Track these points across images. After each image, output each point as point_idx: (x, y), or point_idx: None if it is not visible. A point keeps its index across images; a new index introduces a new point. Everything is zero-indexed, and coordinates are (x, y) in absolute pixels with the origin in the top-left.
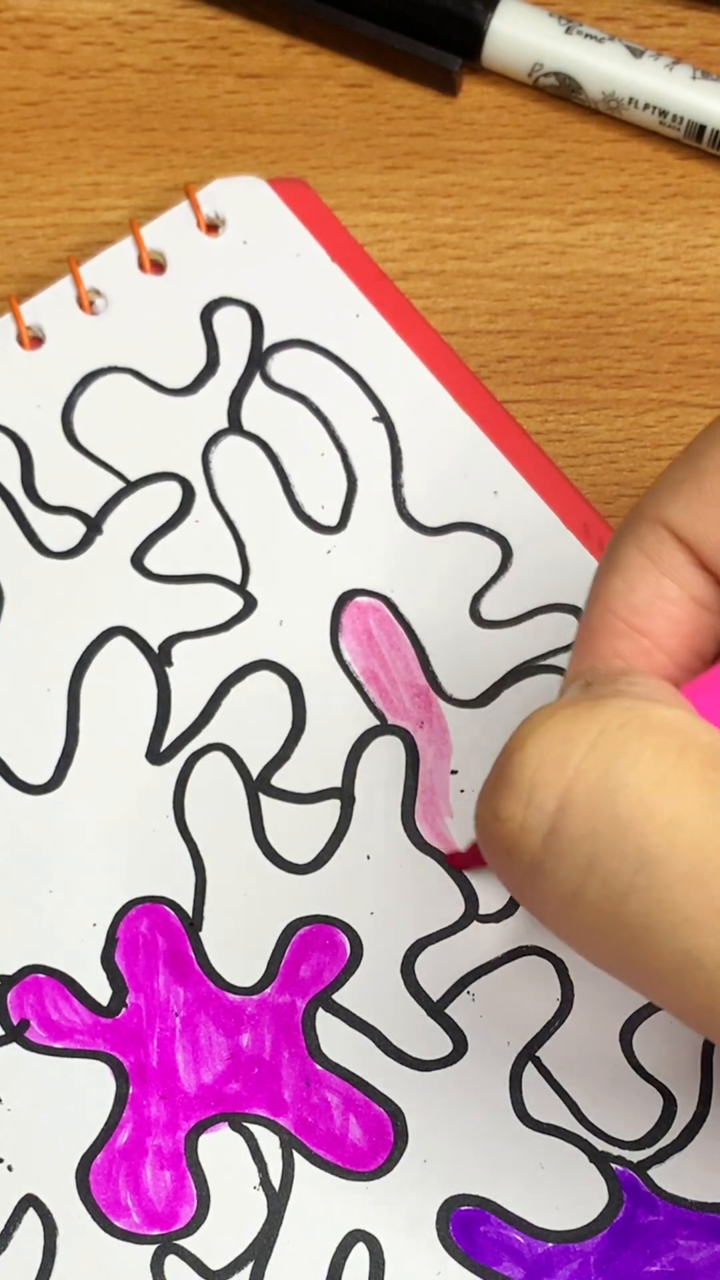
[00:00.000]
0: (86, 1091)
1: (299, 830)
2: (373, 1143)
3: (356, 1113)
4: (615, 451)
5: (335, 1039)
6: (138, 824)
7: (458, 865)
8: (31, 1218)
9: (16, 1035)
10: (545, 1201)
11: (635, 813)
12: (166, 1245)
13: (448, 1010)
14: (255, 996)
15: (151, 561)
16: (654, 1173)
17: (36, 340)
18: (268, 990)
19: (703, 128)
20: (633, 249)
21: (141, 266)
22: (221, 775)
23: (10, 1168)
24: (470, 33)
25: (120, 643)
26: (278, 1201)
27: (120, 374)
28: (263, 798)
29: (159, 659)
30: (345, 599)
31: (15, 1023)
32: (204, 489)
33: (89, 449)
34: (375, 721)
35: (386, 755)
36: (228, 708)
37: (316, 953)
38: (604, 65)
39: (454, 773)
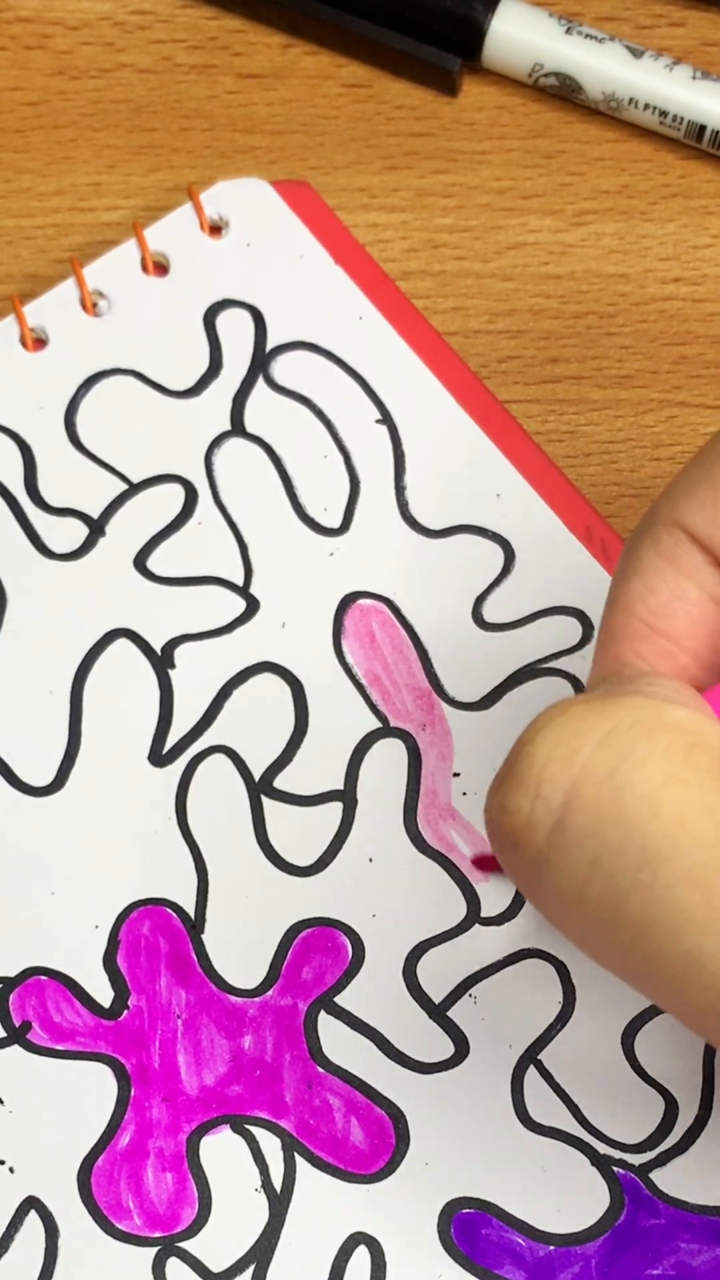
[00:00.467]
0: (88, 1093)
1: (301, 832)
2: (374, 1145)
3: (358, 1115)
4: (615, 451)
5: (337, 1041)
6: (140, 826)
7: (485, 869)
8: (33, 1220)
9: (18, 1037)
10: (547, 1204)
11: (640, 810)
12: (168, 1247)
13: (449, 1013)
14: (257, 999)
15: (154, 563)
16: (655, 1176)
17: (39, 342)
18: (269, 992)
19: (703, 128)
20: (633, 249)
21: (145, 268)
22: (224, 777)
23: (12, 1169)
24: (470, 33)
25: (123, 645)
26: (279, 1204)
27: (123, 376)
28: (265, 800)
29: (161, 661)
30: (348, 601)
31: (17, 1024)
32: (207, 491)
33: (92, 451)
34: (377, 724)
35: (388, 758)
36: (230, 710)
37: (318, 955)
38: (604, 65)
39: (456, 775)
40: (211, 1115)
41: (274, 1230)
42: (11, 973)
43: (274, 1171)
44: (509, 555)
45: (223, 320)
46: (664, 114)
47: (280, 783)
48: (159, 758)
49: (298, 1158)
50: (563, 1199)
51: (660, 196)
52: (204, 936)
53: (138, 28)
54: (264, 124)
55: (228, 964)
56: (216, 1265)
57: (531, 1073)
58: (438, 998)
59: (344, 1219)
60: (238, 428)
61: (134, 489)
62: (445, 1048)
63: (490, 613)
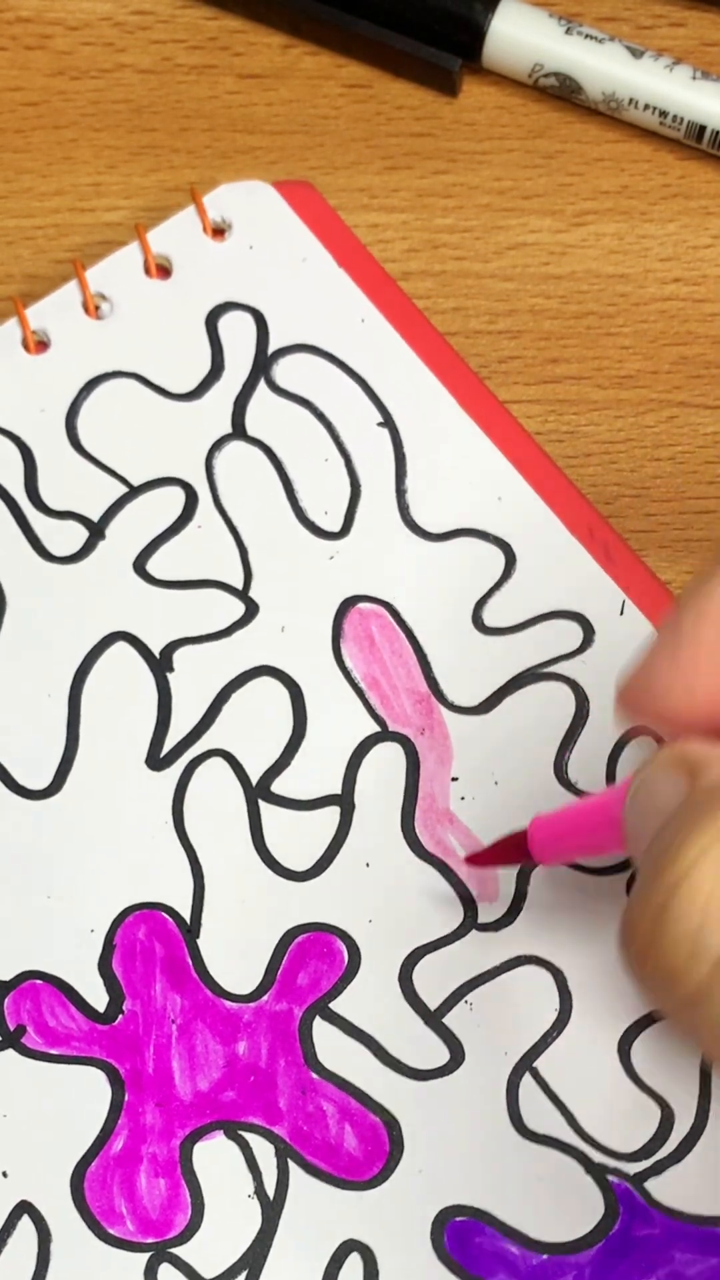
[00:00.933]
0: (82, 1098)
1: (298, 837)
2: (368, 1152)
3: (352, 1122)
4: (615, 452)
5: (332, 1048)
6: (137, 830)
7: (477, 864)
8: (26, 1224)
9: (13, 1041)
10: (541, 1213)
11: None
12: (161, 1253)
13: (445, 1019)
14: (252, 1004)
15: (154, 567)
16: (650, 1185)
17: (41, 344)
18: (265, 998)
19: (703, 128)
20: (633, 249)
21: (147, 271)
22: (221, 781)
23: (5, 1174)
24: (470, 33)
25: (122, 648)
26: (272, 1210)
27: (125, 379)
28: (262, 804)
29: (160, 664)
30: (347, 605)
31: (12, 1028)
32: (207, 494)
33: (93, 453)
34: (376, 728)
35: (387, 762)
36: (228, 714)
37: (314, 961)
38: (604, 66)
39: (455, 780)
40: (205, 1121)
41: (267, 1237)
42: (7, 976)
43: (267, 1178)
44: (510, 559)
45: (225, 323)
46: (664, 114)
47: (278, 787)
48: (157, 761)
49: (291, 1164)
50: (557, 1207)
51: (660, 197)
52: (199, 941)
53: (138, 28)
54: (264, 124)
55: (223, 969)
56: (209, 1271)
57: (527, 1080)
58: (433, 1004)
59: (337, 1226)
60: (239, 431)
61: (134, 492)
62: (440, 1054)
63: (490, 617)
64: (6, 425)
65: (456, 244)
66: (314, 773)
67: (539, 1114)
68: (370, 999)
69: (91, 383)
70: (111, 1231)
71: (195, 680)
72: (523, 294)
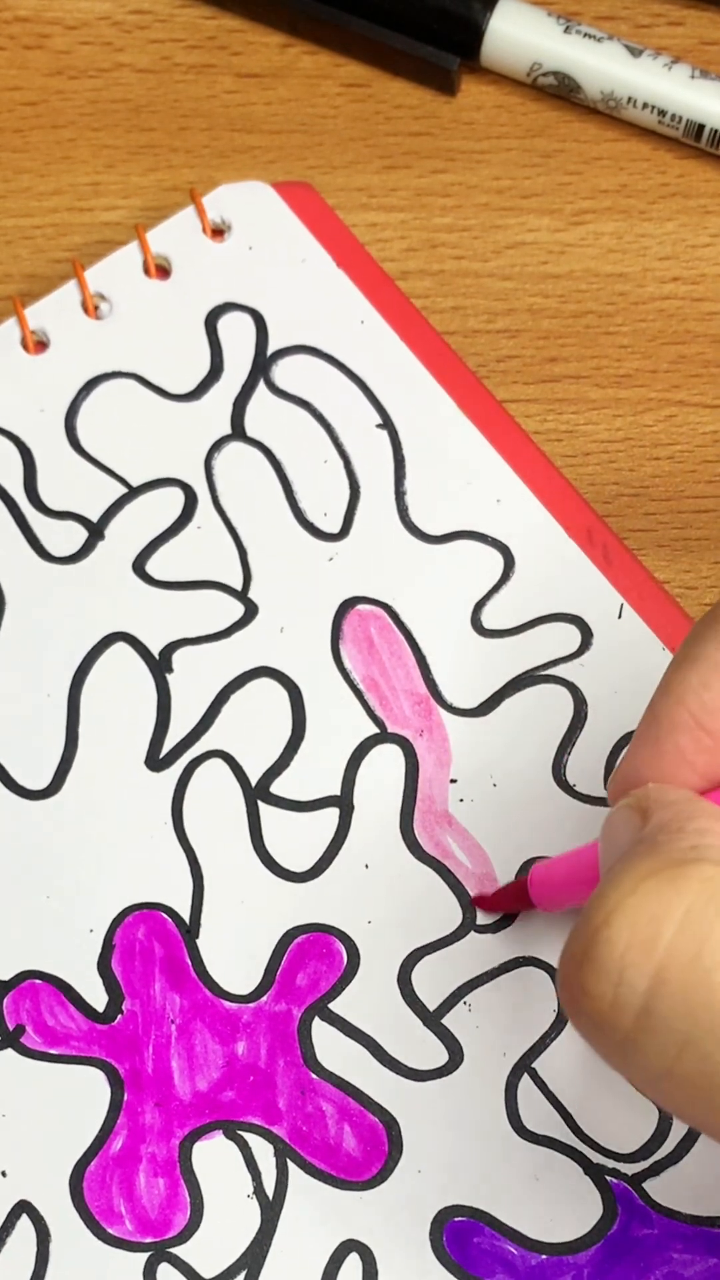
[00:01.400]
0: (81, 1098)
1: (297, 838)
2: (367, 1152)
3: (351, 1122)
4: (614, 451)
5: (331, 1048)
6: (136, 830)
7: (485, 908)
8: (25, 1224)
9: (12, 1041)
10: (540, 1213)
11: None
12: (160, 1253)
13: (444, 1020)
14: (251, 1005)
15: (153, 567)
16: (649, 1185)
17: (41, 344)
18: (264, 998)
19: (701, 127)
20: (631, 248)
21: (147, 271)
22: (220, 782)
23: (4, 1173)
24: (469, 32)
25: (121, 648)
26: (271, 1210)
27: (124, 379)
28: (261, 805)
29: (159, 665)
30: (346, 606)
31: (11, 1028)
32: (206, 495)
33: (92, 454)
34: (375, 730)
35: (386, 764)
36: (227, 715)
37: (313, 961)
38: (603, 65)
39: (453, 782)
40: (204, 1121)
41: (265, 1237)
42: (6, 976)
43: (266, 1178)
44: (508, 561)
45: (224, 324)
46: (662, 113)
47: (277, 788)
48: (156, 762)
49: (290, 1164)
50: (556, 1208)
51: (659, 196)
52: (199, 941)
53: (136, 27)
54: (263, 123)
55: (222, 969)
56: (208, 1271)
57: (525, 1081)
58: (432, 1005)
59: (336, 1226)
60: (238, 432)
61: (134, 492)
62: (439, 1055)
63: (489, 619)
64: (6, 425)
65: (455, 243)
66: (313, 774)
67: (538, 1114)
68: (369, 1000)
69: (91, 383)
70: (110, 1231)
71: (195, 681)
72: (521, 293)
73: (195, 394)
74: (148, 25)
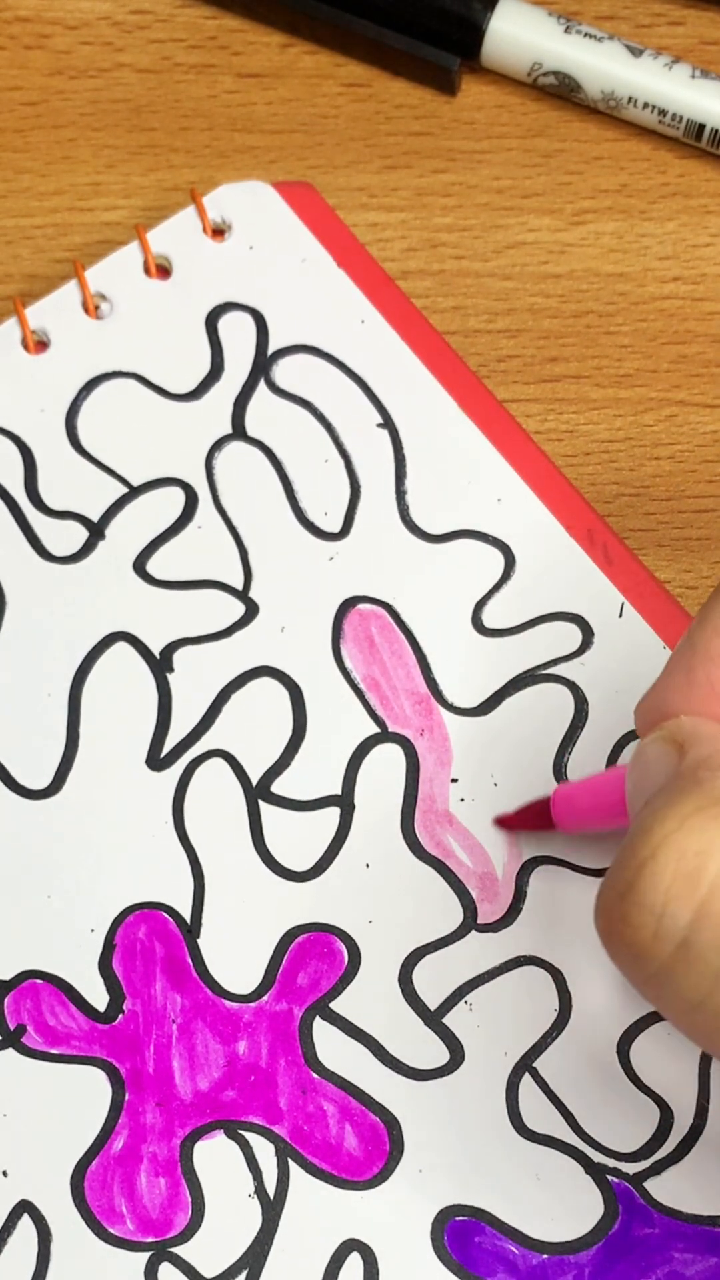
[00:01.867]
0: (82, 1097)
1: (298, 837)
2: (368, 1152)
3: (352, 1122)
4: (615, 451)
5: (332, 1047)
6: (137, 830)
7: (507, 826)
8: (26, 1224)
9: (13, 1041)
10: (541, 1213)
11: None
12: (161, 1253)
13: (445, 1020)
14: (252, 1004)
15: (154, 567)
16: (650, 1185)
17: (41, 344)
18: (265, 998)
19: (702, 126)
20: (632, 248)
21: (147, 271)
22: (221, 782)
23: (5, 1173)
24: (469, 32)
25: (122, 648)
26: (272, 1210)
27: (125, 379)
28: (262, 804)
29: (160, 665)
30: (347, 606)
31: (12, 1028)
32: (207, 495)
33: (92, 453)
34: (376, 729)
35: (387, 763)
36: (228, 714)
37: (314, 961)
38: (603, 64)
39: (454, 781)
40: (205, 1120)
41: (267, 1236)
42: (7, 976)
43: (267, 1177)
44: (509, 561)
45: (224, 323)
46: (663, 113)
47: (278, 787)
48: (157, 761)
49: (291, 1164)
50: (557, 1207)
51: (659, 195)
52: (200, 941)
53: (137, 27)
54: (263, 123)
55: (223, 969)
56: (209, 1271)
57: (527, 1080)
58: (433, 1004)
59: (337, 1226)
60: (239, 431)
61: (134, 492)
62: (440, 1054)
63: (490, 618)
64: (6, 425)
65: (455, 243)
66: (314, 773)
67: (539, 1114)
68: (370, 999)
69: (91, 383)
70: (112, 1231)
71: (195, 681)
72: (522, 293)
73: (196, 394)
74: (148, 25)
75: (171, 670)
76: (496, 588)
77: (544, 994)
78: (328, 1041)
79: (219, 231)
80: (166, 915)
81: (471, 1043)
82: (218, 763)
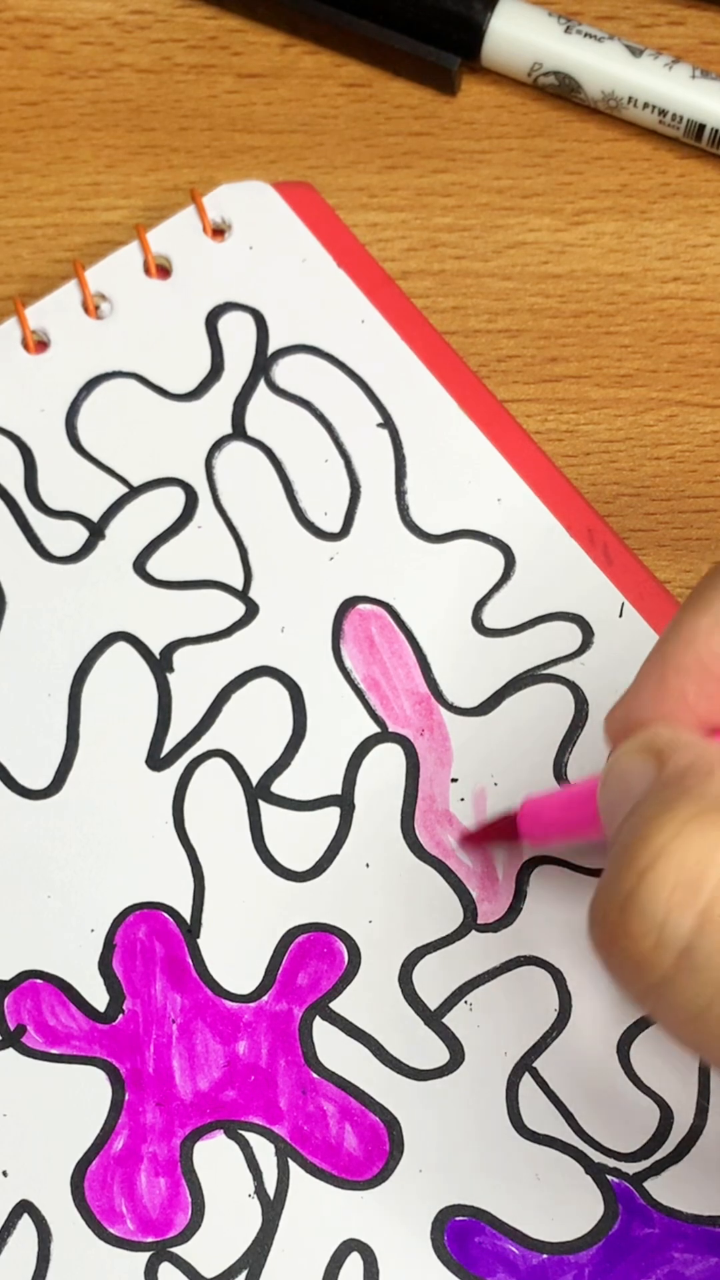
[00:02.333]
0: (82, 1097)
1: (298, 837)
2: (368, 1152)
3: (352, 1121)
4: (615, 451)
5: (332, 1047)
6: (137, 830)
7: (470, 844)
8: (26, 1224)
9: (13, 1041)
10: (541, 1212)
11: None
12: (161, 1252)
13: (445, 1019)
14: (252, 1004)
15: (154, 567)
16: (650, 1185)
17: (41, 344)
18: (265, 998)
19: (702, 126)
20: (632, 248)
21: (147, 271)
22: (221, 782)
23: (5, 1173)
24: (470, 32)
25: (122, 648)
26: (272, 1210)
27: (125, 379)
28: (262, 804)
29: (160, 665)
30: (347, 606)
31: (12, 1028)
32: (207, 495)
33: (93, 453)
34: (376, 729)
35: (387, 763)
36: (228, 714)
37: (314, 961)
38: (603, 64)
39: (454, 781)
40: (205, 1120)
41: (267, 1236)
42: (7, 976)
43: (267, 1177)
44: (509, 561)
45: (224, 323)
46: (663, 113)
47: (278, 787)
48: (157, 761)
49: (291, 1164)
50: (557, 1207)
51: (659, 195)
52: (200, 941)
53: (137, 27)
54: (263, 123)
55: (223, 969)
56: (209, 1271)
57: (527, 1080)
58: (433, 1004)
59: (337, 1225)
60: (239, 431)
61: (134, 492)
62: (440, 1054)
63: (490, 618)
64: (6, 425)
65: (456, 243)
66: (314, 773)
67: (539, 1114)
68: (370, 999)
69: (91, 383)
70: (112, 1231)
71: (195, 680)
72: (522, 293)
73: (196, 393)
74: (148, 25)
75: (171, 670)
76: (496, 588)
77: (544, 994)
78: (328, 1041)
79: (219, 231)
80: (166, 915)
81: (471, 1043)
82: (218, 763)
